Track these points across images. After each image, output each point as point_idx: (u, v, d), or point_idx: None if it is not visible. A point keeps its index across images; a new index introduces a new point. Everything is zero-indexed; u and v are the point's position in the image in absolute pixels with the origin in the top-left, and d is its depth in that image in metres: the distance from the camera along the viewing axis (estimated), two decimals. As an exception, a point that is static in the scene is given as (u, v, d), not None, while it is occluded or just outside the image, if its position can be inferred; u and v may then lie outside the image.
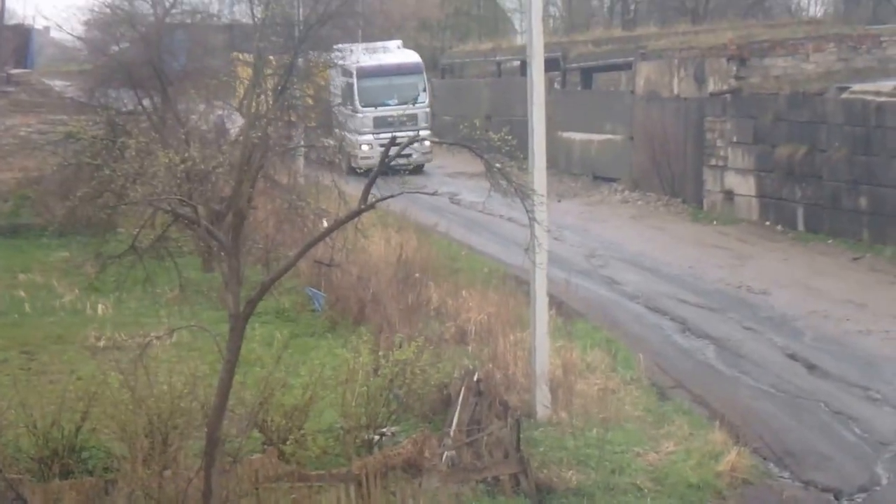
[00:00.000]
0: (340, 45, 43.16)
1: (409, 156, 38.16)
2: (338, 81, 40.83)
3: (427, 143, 37.72)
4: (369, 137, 39.91)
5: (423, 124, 39.75)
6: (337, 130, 41.48)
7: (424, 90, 41.37)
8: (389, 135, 37.81)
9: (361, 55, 40.09)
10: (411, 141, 14.21)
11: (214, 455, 12.52)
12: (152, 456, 12.72)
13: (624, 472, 14.14)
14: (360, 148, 40.04)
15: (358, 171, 38.04)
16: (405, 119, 38.68)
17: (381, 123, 38.82)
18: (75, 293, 21.91)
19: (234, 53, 46.42)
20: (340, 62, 41.18)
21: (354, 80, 40.52)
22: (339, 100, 39.27)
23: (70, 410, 13.48)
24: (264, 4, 13.12)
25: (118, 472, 12.81)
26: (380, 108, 39.48)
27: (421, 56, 67.59)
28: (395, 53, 41.81)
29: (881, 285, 23.97)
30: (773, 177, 30.72)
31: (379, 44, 43.43)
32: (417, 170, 38.78)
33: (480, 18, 69.49)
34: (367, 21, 42.77)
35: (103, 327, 19.38)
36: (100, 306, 20.76)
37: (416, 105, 40.54)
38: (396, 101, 40.32)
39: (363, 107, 40.30)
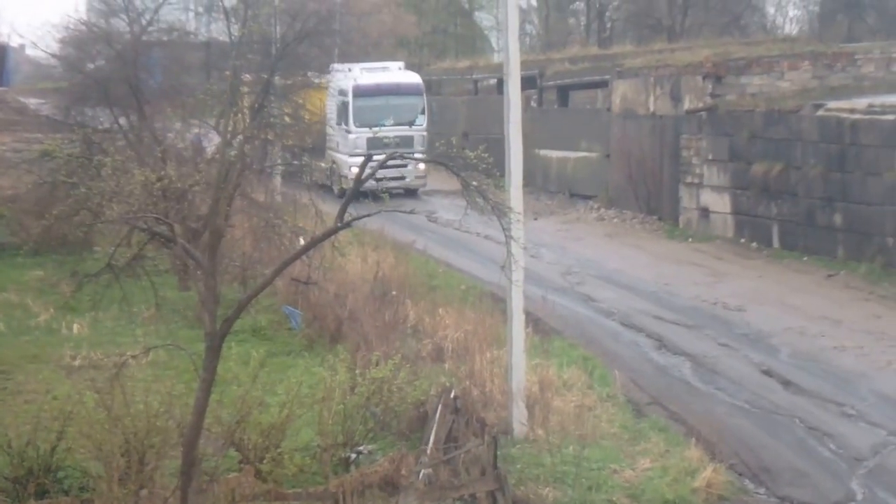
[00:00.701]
0: (337, 64, 41.34)
1: (401, 178, 37.79)
2: (333, 100, 40.10)
3: (421, 166, 36.67)
4: (361, 160, 40.26)
5: (419, 147, 38.12)
6: (329, 151, 40.20)
7: (423, 112, 39.86)
8: (381, 158, 37.41)
9: (359, 73, 39.63)
10: (387, 158, 14.17)
11: (191, 474, 12.52)
12: (128, 475, 12.66)
13: (601, 489, 14.16)
14: (351, 170, 37.73)
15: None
16: (399, 141, 37.20)
17: (374, 145, 36.63)
18: (51, 312, 21.77)
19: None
20: (337, 80, 39.43)
21: (350, 99, 39.35)
22: (334, 119, 38.96)
23: (45, 430, 13.41)
24: (241, 22, 13.15)
25: (94, 492, 12.79)
26: (374, 129, 37.64)
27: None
28: (395, 73, 40.90)
29: (856, 302, 24.11)
30: (748, 194, 30.89)
31: (379, 63, 42.75)
32: (411, 193, 38.13)
33: (458, 36, 69.83)
34: (345, 39, 42.63)
35: (79, 346, 19.29)
36: (75, 325, 20.64)
37: (413, 127, 39.21)
38: (393, 123, 39.00)
39: (357, 127, 38.76)
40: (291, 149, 36.19)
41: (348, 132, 38.59)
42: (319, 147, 39.74)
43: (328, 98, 40.22)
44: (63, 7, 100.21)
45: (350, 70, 40.19)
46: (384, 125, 37.95)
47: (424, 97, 40.12)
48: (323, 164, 40.16)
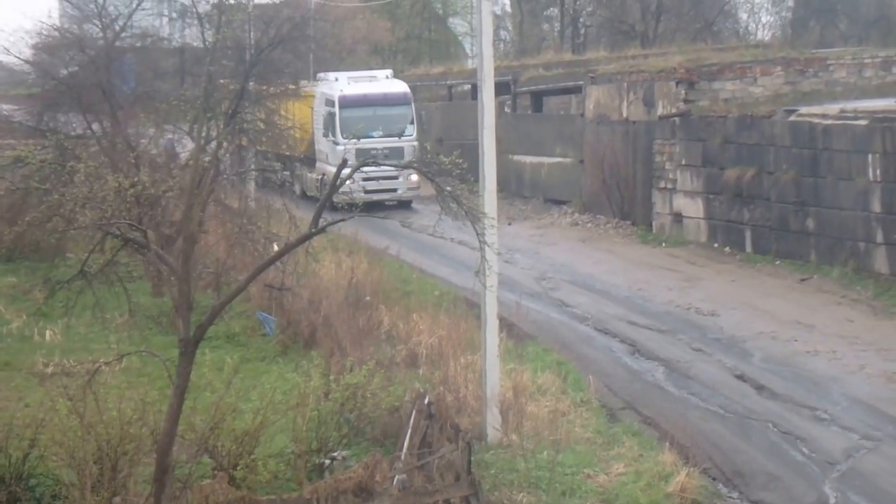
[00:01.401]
0: (324, 73, 40.64)
1: (393, 191, 37.15)
2: (320, 110, 39.00)
3: (414, 177, 35.98)
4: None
5: (411, 158, 35.69)
6: (320, 163, 39.11)
7: (412, 123, 38.63)
8: (372, 169, 34.97)
9: (345, 83, 38.62)
10: (360, 165, 14.17)
11: (164, 481, 12.55)
12: (101, 482, 12.69)
13: (574, 494, 14.22)
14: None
15: (336, 205, 37.71)
16: (389, 153, 35.28)
17: (363, 157, 37.52)
18: (23, 319, 21.71)
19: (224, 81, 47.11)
20: (323, 89, 38.57)
21: (336, 110, 38.12)
22: (321, 130, 37.92)
23: (18, 437, 13.41)
24: (215, 28, 13.16)
25: (67, 500, 12.82)
26: (363, 141, 35.82)
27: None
28: (382, 83, 39.73)
29: (828, 306, 24.26)
30: (721, 199, 31.06)
31: (366, 72, 41.92)
32: (404, 205, 37.29)
33: (432, 42, 69.90)
34: (319, 45, 42.43)
35: (52, 353, 19.27)
36: (48, 332, 20.63)
37: (403, 138, 37.67)
38: (381, 134, 37.51)
39: (345, 138, 36.99)
40: (265, 154, 36.12)
41: (336, 144, 37.40)
42: (310, 157, 39.35)
43: (315, 108, 39.41)
44: (36, 13, 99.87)
45: (336, 79, 39.42)
46: (372, 136, 36.83)
47: (413, 106, 39.19)
48: (314, 176, 39.54)
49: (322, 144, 39.19)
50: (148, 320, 20.55)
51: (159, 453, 12.66)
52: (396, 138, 36.78)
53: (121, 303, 14.94)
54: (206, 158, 13.92)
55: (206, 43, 13.59)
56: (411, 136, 37.94)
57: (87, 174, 13.05)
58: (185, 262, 12.84)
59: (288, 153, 38.78)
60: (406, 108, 38.78)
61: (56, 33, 30.48)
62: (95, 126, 26.03)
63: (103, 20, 28.04)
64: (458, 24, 72.61)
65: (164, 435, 12.67)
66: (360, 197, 35.57)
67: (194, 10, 14.06)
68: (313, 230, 12.88)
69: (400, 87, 39.72)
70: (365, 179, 34.80)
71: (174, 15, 49.50)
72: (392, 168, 32.77)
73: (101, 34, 28.04)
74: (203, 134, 13.83)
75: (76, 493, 12.65)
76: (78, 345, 20.00)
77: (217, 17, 13.27)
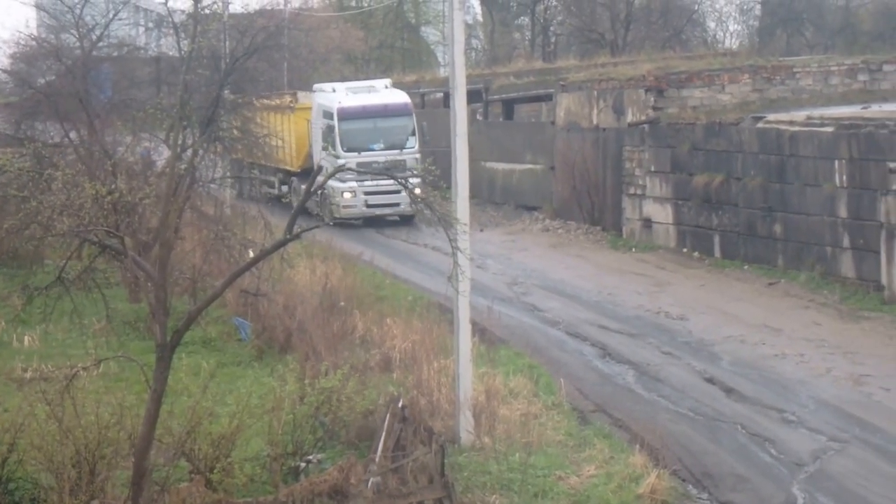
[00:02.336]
0: (322, 84, 39.25)
1: (396, 206, 35.54)
2: (318, 122, 37.34)
3: (416, 191, 35.55)
4: (352, 185, 35.75)
5: (413, 171, 34.28)
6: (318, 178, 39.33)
7: (414, 134, 36.62)
8: (374, 183, 34.31)
9: (344, 94, 36.85)
10: (335, 171, 14.37)
11: (142, 484, 12.65)
12: (80, 486, 12.76)
13: (546, 496, 14.37)
14: (342, 196, 36.08)
15: (328, 220, 35.06)
16: (390, 166, 33.83)
17: (364, 171, 33.92)
18: (1, 325, 21.63)
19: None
20: (320, 101, 37.27)
21: (335, 122, 36.33)
22: (320, 143, 36.11)
23: (-4, 442, 13.44)
24: (191, 38, 13.28)
25: (46, 503, 12.84)
26: (364, 154, 34.75)
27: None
28: (382, 93, 37.85)
29: (795, 310, 24.57)
30: (690, 205, 31.37)
31: (364, 83, 40.20)
32: (406, 221, 35.88)
33: (404, 51, 70.09)
34: (293, 54, 42.19)
35: (30, 359, 19.28)
36: (26, 338, 20.64)
37: (405, 151, 36.05)
38: (382, 146, 35.98)
39: (345, 151, 35.56)
40: (263, 168, 35.81)
41: (336, 157, 35.46)
42: (309, 172, 37.10)
43: (313, 120, 37.87)
44: (13, 22, 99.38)
45: (334, 90, 37.93)
46: (373, 149, 35.53)
47: (415, 117, 37.21)
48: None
49: (321, 158, 36.91)
50: (125, 326, 20.57)
51: (137, 457, 12.74)
52: (398, 151, 35.54)
53: (98, 309, 14.96)
54: (182, 166, 14.08)
55: (182, 52, 13.70)
56: (413, 148, 36.28)
57: (65, 182, 13.09)
58: (162, 268, 12.95)
59: (285, 167, 37.97)
60: (407, 119, 36.97)
61: (33, 43, 30.52)
62: (73, 134, 26.04)
63: (80, 30, 28.11)
64: (430, 34, 72.83)
65: (142, 439, 12.75)
66: (362, 212, 34.86)
67: (170, 19, 14.14)
68: (288, 236, 12.99)
69: (400, 97, 37.99)
70: (367, 194, 34.79)
71: (150, 25, 49.50)
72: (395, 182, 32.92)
73: (77, 44, 28.12)
74: (179, 142, 13.97)
75: (55, 497, 12.70)
76: (56, 350, 20.06)
77: (192, 27, 13.37)
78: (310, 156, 38.49)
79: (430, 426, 15.15)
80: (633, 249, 32.73)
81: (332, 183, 34.99)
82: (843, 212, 26.10)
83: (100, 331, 18.61)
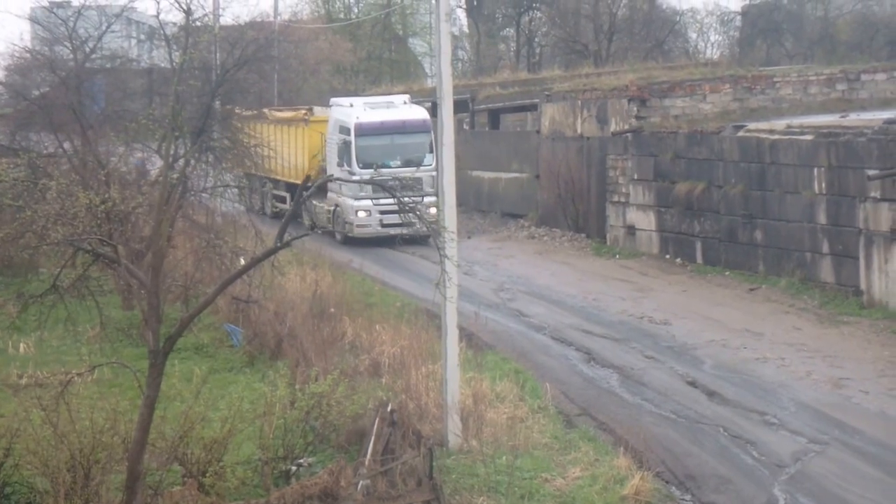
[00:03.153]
0: (338, 98, 37.72)
1: (411, 224, 34.06)
2: (334, 138, 35.80)
3: (433, 210, 32.58)
4: (367, 203, 34.39)
5: (430, 190, 32.67)
6: (332, 194, 35.87)
7: (431, 151, 34.00)
8: (390, 201, 33.18)
9: (361, 110, 35.46)
10: (323, 181, 14.54)
11: (136, 488, 12.78)
12: (74, 490, 12.90)
13: (533, 498, 14.51)
14: (357, 214, 34.58)
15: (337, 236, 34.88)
16: (407, 184, 34.41)
17: (380, 188, 33.13)
18: (-3, 333, 21.74)
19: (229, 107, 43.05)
20: (337, 115, 35.65)
21: (352, 138, 34.81)
22: (335, 159, 34.71)
23: (-8, 447, 13.55)
24: (182, 49, 13.46)
25: (41, 507, 13.02)
26: (380, 171, 32.87)
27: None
28: (401, 109, 36.23)
29: (776, 315, 24.82)
30: (672, 212, 31.65)
31: (382, 98, 38.68)
32: (421, 241, 32.43)
33: (392, 62, 70.33)
34: (283, 66, 42.08)
35: (25, 365, 19.40)
36: (21, 345, 20.74)
37: (422, 168, 34.17)
38: (399, 163, 34.50)
39: (361, 168, 33.97)
40: (275, 183, 34.76)
41: (352, 174, 34.21)
42: (321, 187, 35.53)
43: (328, 135, 36.25)
44: (8, 35, 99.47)
45: (351, 105, 36.42)
46: (389, 166, 34.03)
47: (432, 134, 34.08)
48: (325, 207, 36.52)
49: (338, 172, 35.35)
50: (119, 333, 20.59)
51: (130, 461, 12.85)
52: (415, 168, 33.86)
53: (92, 316, 15.07)
54: (174, 175, 14.28)
55: (174, 64, 13.87)
56: (430, 165, 33.70)
57: (59, 191, 13.20)
58: (155, 275, 13.07)
59: (298, 182, 35.64)
60: (425, 135, 34.87)
61: (28, 55, 30.62)
62: (67, 145, 26.07)
63: (73, 42, 28.19)
64: (417, 45, 73.08)
65: (135, 443, 12.85)
66: (377, 231, 32.85)
67: (162, 32, 14.29)
68: (278, 244, 13.13)
69: (419, 113, 36.23)
70: (382, 213, 33.36)
71: (142, 37, 49.55)
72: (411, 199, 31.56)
73: (71, 56, 28.19)
74: (171, 152, 14.17)
75: (50, 501, 12.86)
76: (51, 357, 20.18)
77: (184, 39, 13.54)
78: (323, 171, 36.82)
79: (419, 430, 15.32)
80: (617, 256, 32.97)
81: (346, 201, 34.13)
82: (822, 218, 26.40)
83: (94, 337, 18.67)
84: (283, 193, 38.49)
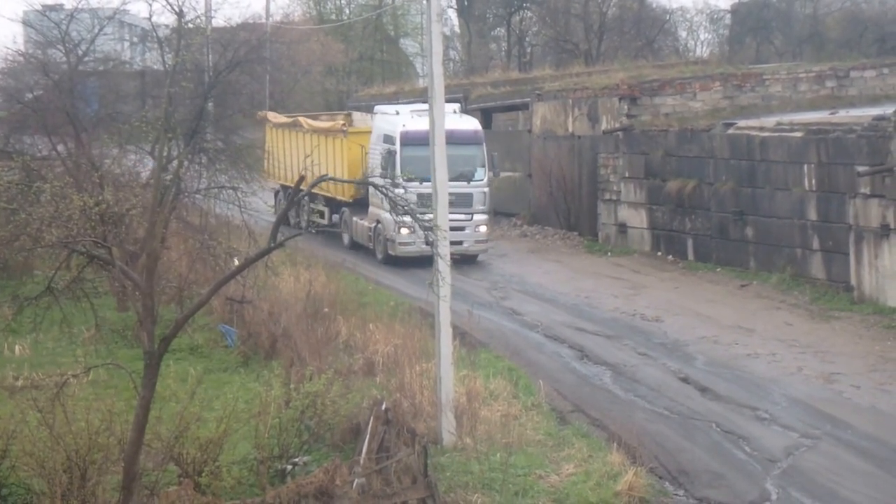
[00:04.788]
0: (383, 106, 34.06)
1: (458, 243, 30.10)
2: (377, 148, 32.72)
3: (483, 228, 30.89)
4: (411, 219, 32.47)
5: (480, 207, 31.00)
6: (373, 208, 32.82)
7: (483, 165, 31.87)
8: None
9: (408, 118, 32.40)
10: (316, 181, 14.52)
11: (132, 488, 12.82)
12: (71, 491, 12.96)
13: (527, 495, 14.56)
14: (399, 231, 31.07)
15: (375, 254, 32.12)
16: (456, 200, 29.45)
17: (426, 202, 29.49)
18: (-8, 335, 21.74)
19: (263, 113, 40.30)
20: (381, 124, 32.54)
21: (397, 148, 31.63)
22: (377, 170, 30.87)
23: (-11, 449, 13.58)
24: (175, 52, 13.51)
25: (37, 508, 13.05)
26: (426, 184, 29.24)
27: (326, 99, 67.81)
28: (450, 118, 32.49)
29: (767, 311, 24.95)
30: (663, 209, 31.78)
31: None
32: (468, 261, 31.18)
33: (384, 63, 70.46)
34: (275, 67, 41.95)
35: (21, 367, 19.42)
36: (17, 347, 20.75)
37: (472, 183, 31.49)
38: (448, 177, 33.39)
39: (406, 181, 30.81)
40: (311, 197, 33.58)
41: (395, 187, 30.74)
42: (362, 202, 33.84)
43: (371, 145, 33.35)
44: (1, 39, 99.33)
45: (397, 113, 33.37)
46: None
47: (485, 146, 32.44)
48: (366, 223, 33.55)
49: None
50: (114, 334, 20.57)
51: (126, 462, 12.88)
52: (465, 183, 31.16)
53: (87, 318, 15.09)
54: (168, 177, 14.33)
55: (167, 66, 13.94)
56: (482, 180, 31.73)
57: (53, 194, 13.21)
58: (149, 277, 13.11)
59: (336, 196, 34.42)
60: (477, 147, 32.20)
61: (21, 58, 30.63)
62: (60, 147, 26.12)
63: (66, 45, 28.23)
64: (409, 45, 73.21)
65: (131, 444, 12.89)
66: (421, 250, 29.41)
67: (154, 34, 14.35)
68: (272, 245, 13.17)
69: (470, 123, 33.24)
70: (426, 230, 30.42)
71: (135, 39, 49.51)
72: (460, 217, 29.03)
73: (64, 59, 28.23)
74: (164, 153, 14.22)
75: (47, 502, 12.90)
76: (46, 359, 20.19)
77: (176, 41, 13.59)
78: (366, 188, 33.17)
79: (413, 428, 15.32)
80: (609, 254, 33.08)
81: (387, 216, 30.45)
82: (812, 214, 26.54)
83: (89, 339, 18.70)
84: (322, 208, 36.26)
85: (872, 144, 24.81)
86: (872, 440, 16.82)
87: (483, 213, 30.40)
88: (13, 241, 13.41)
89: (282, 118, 39.24)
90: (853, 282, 25.13)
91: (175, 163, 14.26)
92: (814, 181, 26.44)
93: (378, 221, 32.68)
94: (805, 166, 26.66)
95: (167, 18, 13.87)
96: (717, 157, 29.70)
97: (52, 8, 37.17)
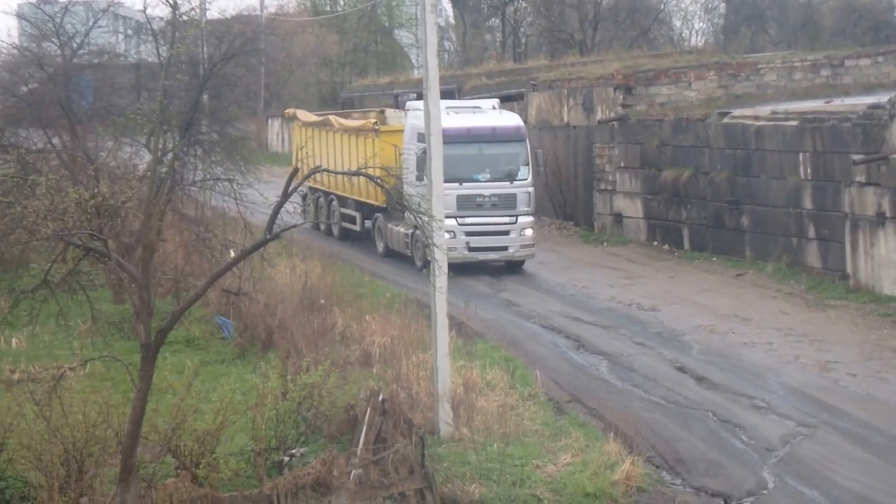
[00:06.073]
0: (416, 102, 31.19)
1: (503, 249, 29.09)
2: (412, 147, 29.93)
3: (529, 231, 29.11)
4: (451, 223, 27.72)
5: (524, 208, 29.16)
6: (408, 214, 28.02)
7: (526, 163, 29.66)
8: (479, 219, 27.83)
9: (445, 115, 28.29)
10: (310, 174, 14.46)
11: (129, 481, 12.84)
12: (68, 484, 13.00)
13: (524, 485, 14.60)
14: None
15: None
16: (497, 201, 28.87)
17: (467, 204, 28.57)
18: (-12, 328, 21.74)
19: (291, 111, 38.97)
20: (415, 121, 29.63)
21: None
22: (413, 172, 28.65)
23: (-14, 442, 13.59)
24: (169, 44, 13.51)
25: (35, 501, 13.08)
26: (466, 185, 28.56)
27: (321, 91, 67.91)
28: (490, 115, 31.12)
29: (763, 300, 25.00)
30: (659, 199, 31.81)
31: (468, 102, 34.28)
32: (513, 268, 29.63)
33: (378, 54, 70.47)
34: (270, 58, 41.86)
35: (17, 360, 19.37)
36: (14, 340, 20.77)
37: (515, 183, 29.28)
38: (489, 177, 29.41)
39: (445, 181, 26.79)
40: (343, 201, 32.51)
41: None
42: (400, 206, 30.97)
43: (405, 144, 30.83)
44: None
45: None
46: (477, 180, 29.18)
47: (528, 144, 30.30)
48: (402, 230, 30.83)
49: (414, 190, 27.34)
50: (110, 327, 20.50)
51: (124, 454, 12.91)
52: (507, 183, 29.24)
53: (83, 310, 15.12)
54: (163, 169, 14.33)
55: (161, 58, 13.92)
56: (525, 179, 29.51)
57: (49, 187, 13.22)
58: (145, 269, 13.12)
59: (368, 200, 32.18)
60: (519, 145, 29.96)
61: (15, 51, 30.59)
62: (55, 140, 26.05)
63: (61, 38, 28.22)
64: (403, 36, 73.18)
65: (128, 436, 12.92)
66: (463, 256, 27.84)
67: (149, 26, 14.34)
68: (268, 236, 13.17)
69: (512, 119, 31.02)
70: (469, 234, 28.73)
71: (129, 32, 49.49)
72: (503, 219, 28.43)
73: (59, 52, 28.20)
74: (160, 146, 14.22)
75: (44, 495, 12.91)
76: (43, 352, 20.17)
77: (171, 34, 13.59)
78: (398, 190, 29.17)
79: (410, 419, 15.37)
80: (605, 243, 33.12)
81: (426, 218, 28.67)
82: (808, 203, 26.58)
83: (85, 332, 18.70)
84: (353, 213, 33.62)
85: (867, 133, 24.83)
86: (869, 428, 16.87)
87: (528, 214, 28.92)
88: (9, 234, 13.43)
89: (311, 117, 37.36)
90: (849, 270, 25.18)
91: (170, 155, 14.22)
92: (809, 170, 26.48)
93: (416, 227, 27.58)
94: (800, 155, 26.69)
95: (161, 11, 13.88)
96: (713, 146, 29.74)
97: (47, 1, 37.23)
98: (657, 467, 15.62)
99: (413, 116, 30.57)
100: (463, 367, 18.05)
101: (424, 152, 27.50)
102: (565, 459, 15.39)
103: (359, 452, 14.21)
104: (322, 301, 22.23)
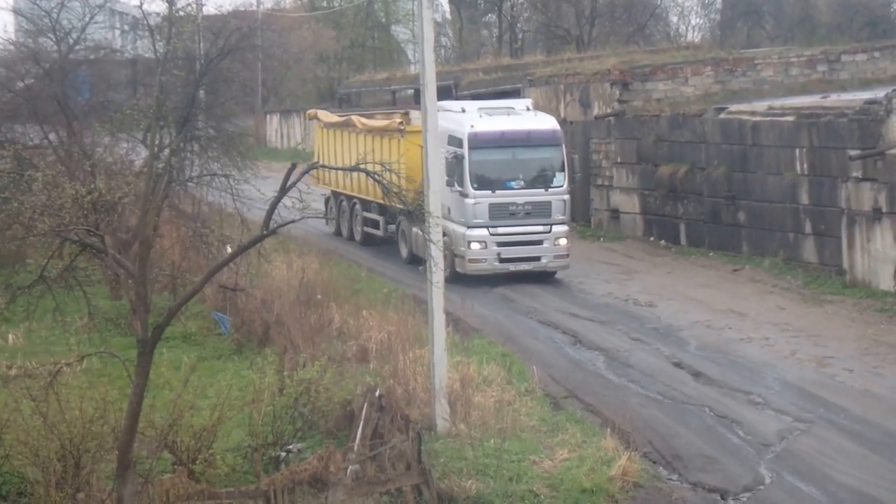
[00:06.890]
0: (447, 103, 29.45)
1: (536, 259, 27.55)
2: (441, 151, 26.28)
3: (563, 241, 27.57)
4: (482, 232, 27.20)
5: (560, 216, 27.61)
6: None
7: (562, 169, 27.98)
8: (512, 229, 26.47)
9: (476, 117, 28.47)
10: (309, 168, 14.45)
11: (126, 476, 12.85)
12: (65, 479, 13.00)
13: (521, 480, 14.63)
14: (469, 246, 27.20)
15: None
16: (532, 210, 27.44)
17: (499, 213, 27.26)
18: (-15, 324, 21.75)
19: (312, 111, 37.73)
20: (445, 123, 26.68)
21: (465, 151, 27.50)
22: (443, 177, 25.30)
23: (-17, 438, 13.60)
24: (166, 39, 13.49)
25: (32, 497, 13.09)
26: (498, 193, 27.29)
27: (318, 86, 67.90)
28: (524, 117, 29.19)
29: (760, 295, 25.02)
30: (656, 195, 31.83)
31: (501, 102, 31.70)
32: (545, 278, 27.87)
33: (375, 50, 70.50)
34: (267, 54, 41.80)
35: (14, 356, 19.40)
36: (10, 336, 20.78)
37: (551, 190, 27.68)
38: (523, 184, 27.73)
39: (476, 189, 27.30)
40: (366, 205, 31.69)
41: (464, 196, 27.46)
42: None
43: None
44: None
45: (463, 110, 29.14)
46: (511, 187, 27.62)
47: (564, 148, 28.56)
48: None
49: (443, 195, 24.94)
50: (107, 322, 20.57)
51: (121, 450, 12.91)
52: (542, 190, 27.67)
53: (80, 306, 15.06)
54: (160, 165, 14.32)
55: (158, 54, 13.89)
56: (561, 186, 27.91)
57: (45, 183, 13.18)
58: (142, 265, 13.10)
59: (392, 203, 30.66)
60: (555, 150, 28.20)
61: (12, 47, 30.63)
62: (52, 136, 26.13)
63: (57, 34, 28.25)
64: (400, 32, 73.20)
65: (125, 432, 12.92)
66: (494, 268, 26.78)
67: (145, 22, 14.30)
68: (265, 232, 13.18)
69: (547, 122, 29.17)
70: (500, 245, 27.29)
71: (126, 27, 49.43)
72: (537, 229, 27.24)
73: (55, 47, 28.24)
74: (156, 141, 14.21)
75: (41, 490, 12.93)
76: (39, 347, 20.21)
77: (167, 29, 13.57)
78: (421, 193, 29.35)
79: (407, 414, 15.38)
80: (602, 239, 33.16)
81: (456, 228, 27.31)
82: (804, 199, 26.60)
83: (82, 328, 18.69)
84: (376, 217, 32.23)
85: (864, 128, 24.85)
86: (865, 423, 16.90)
87: (563, 223, 27.54)
88: (5, 230, 13.40)
89: (333, 117, 35.96)
90: (845, 265, 25.20)
91: (167, 151, 14.21)
92: (806, 165, 26.50)
93: (444, 234, 24.79)
94: (797, 150, 26.72)
95: (158, 6, 13.83)
96: (709, 141, 29.75)
97: (43, -4, 37.10)
98: (654, 463, 15.64)
99: (442, 118, 26.94)
100: (460, 363, 18.07)
101: (455, 157, 27.92)
102: (562, 455, 15.40)
103: (355, 448, 14.23)
104: (319, 297, 22.22)
